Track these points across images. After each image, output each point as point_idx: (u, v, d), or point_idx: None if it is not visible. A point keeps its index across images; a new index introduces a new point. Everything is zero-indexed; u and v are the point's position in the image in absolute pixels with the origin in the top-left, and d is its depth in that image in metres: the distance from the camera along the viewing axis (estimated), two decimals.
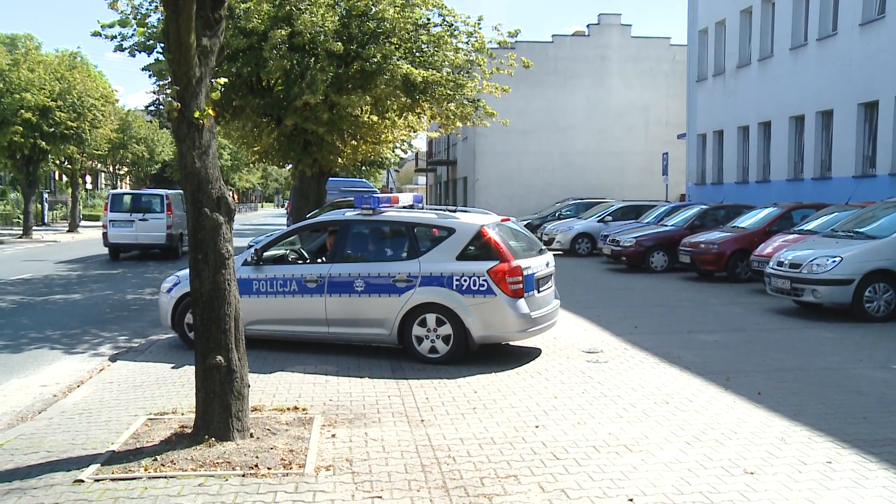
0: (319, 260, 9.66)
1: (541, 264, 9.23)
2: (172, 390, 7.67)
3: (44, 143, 33.37)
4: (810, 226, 15.15)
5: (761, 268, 14.09)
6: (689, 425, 6.34)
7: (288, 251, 10.11)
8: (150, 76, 15.65)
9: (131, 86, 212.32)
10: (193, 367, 5.93)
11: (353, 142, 17.71)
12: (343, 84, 14.22)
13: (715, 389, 7.52)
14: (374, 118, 16.46)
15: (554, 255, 24.71)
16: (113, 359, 9.52)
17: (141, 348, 10.00)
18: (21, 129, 31.84)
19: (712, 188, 29.08)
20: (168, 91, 5.65)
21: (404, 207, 9.86)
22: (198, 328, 5.85)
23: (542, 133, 40.50)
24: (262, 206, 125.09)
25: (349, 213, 9.85)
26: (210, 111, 5.78)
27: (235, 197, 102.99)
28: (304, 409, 6.76)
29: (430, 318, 8.73)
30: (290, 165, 18.45)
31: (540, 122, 40.27)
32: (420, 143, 63.36)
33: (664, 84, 41.13)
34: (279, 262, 9.64)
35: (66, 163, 44.06)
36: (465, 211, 10.09)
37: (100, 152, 43.51)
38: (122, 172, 66.30)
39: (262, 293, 9.31)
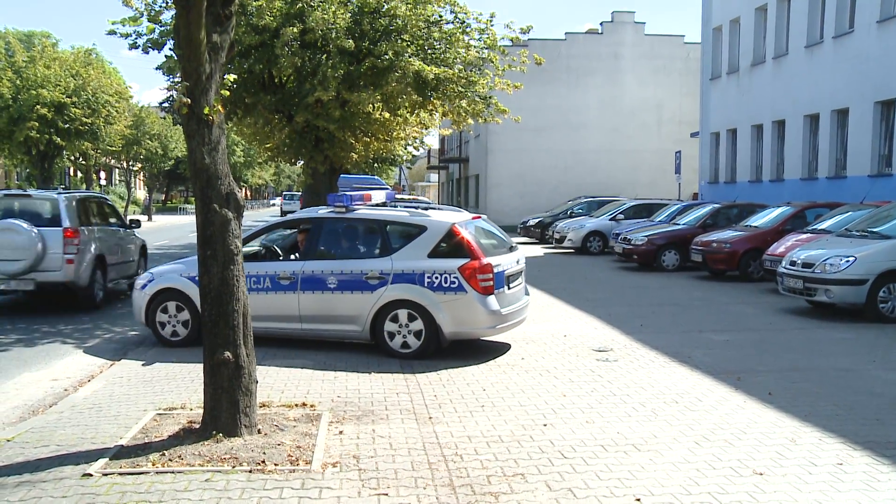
0: (293, 257, 9.80)
1: (511, 261, 9.37)
2: (181, 385, 7.69)
3: (59, 138, 33.63)
4: (824, 225, 15.03)
5: (774, 267, 13.99)
6: (699, 425, 6.29)
7: (262, 248, 10.25)
8: (163, 74, 15.72)
9: (147, 83, 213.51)
10: (202, 363, 5.94)
11: (365, 139, 17.73)
12: (355, 81, 14.21)
13: (725, 389, 7.47)
14: (386, 115, 16.47)
15: (565, 253, 24.91)
16: (123, 354, 9.56)
17: (151, 345, 10.02)
18: (37, 124, 32.07)
19: (725, 187, 28.91)
20: (178, 87, 5.65)
21: (377, 205, 9.98)
22: (206, 324, 5.85)
23: (554, 131, 40.40)
24: (274, 204, 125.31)
25: (322, 211, 9.96)
26: (220, 107, 5.78)
27: (248, 194, 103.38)
28: (312, 406, 6.76)
29: (402, 315, 8.85)
30: (302, 162, 18.47)
31: (552, 120, 40.17)
32: (432, 141, 63.36)
33: (678, 82, 40.94)
34: (253, 260, 9.70)
35: (80, 159, 44.38)
36: (439, 209, 10.21)
37: (114, 148, 43.73)
38: (135, 168, 66.58)
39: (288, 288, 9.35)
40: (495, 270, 8.79)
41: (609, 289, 15.80)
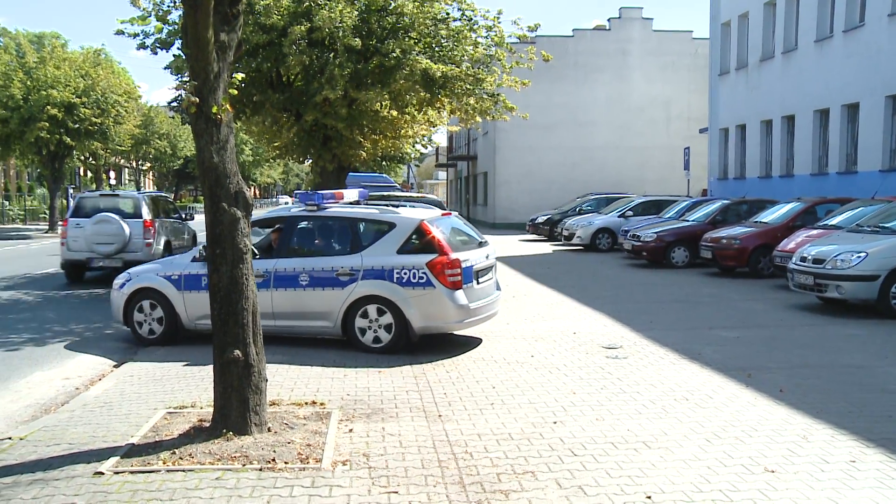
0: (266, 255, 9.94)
1: (480, 257, 9.56)
2: (192, 384, 7.71)
3: (69, 138, 33.87)
4: (835, 221, 14.94)
5: (784, 263, 13.92)
6: (709, 422, 6.27)
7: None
8: (171, 73, 15.73)
9: (155, 83, 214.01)
10: (212, 362, 5.95)
11: (373, 137, 17.68)
12: (362, 79, 14.19)
13: (735, 386, 7.43)
14: (394, 113, 16.41)
15: (574, 250, 24.87)
16: (134, 353, 9.59)
17: (162, 343, 10.05)
18: (47, 125, 32.34)
19: (734, 183, 28.80)
20: (187, 86, 5.65)
21: (349, 203, 10.20)
22: (216, 322, 5.86)
23: (562, 128, 40.31)
24: (286, 203, 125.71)
25: (294, 210, 10.23)
26: (228, 106, 5.79)
27: (257, 192, 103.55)
28: (321, 404, 6.77)
29: (373, 310, 9.05)
30: (311, 161, 18.46)
31: (560, 117, 40.09)
32: (440, 139, 63.42)
33: (686, 78, 40.78)
34: None
35: (90, 158, 44.63)
36: (412, 206, 10.29)
37: (123, 148, 44.00)
38: (144, 168, 66.90)
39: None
40: (463, 266, 8.99)
41: (618, 286, 15.77)
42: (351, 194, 10.43)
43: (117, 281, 10.37)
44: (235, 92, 6.04)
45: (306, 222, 9.95)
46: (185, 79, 15.32)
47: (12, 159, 44.47)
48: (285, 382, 7.63)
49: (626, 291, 14.86)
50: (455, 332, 9.79)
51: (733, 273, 17.32)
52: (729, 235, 17.28)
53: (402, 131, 18.15)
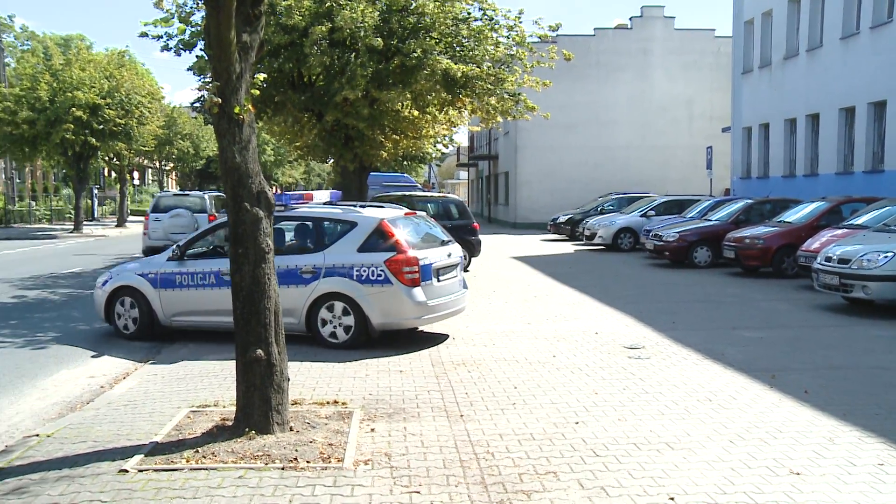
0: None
1: (441, 255, 9.88)
2: (214, 383, 7.75)
3: (94, 139, 34.19)
4: (861, 220, 14.75)
5: (809, 263, 13.77)
6: (733, 423, 6.21)
7: (216, 245, 10.81)
8: (194, 74, 15.86)
9: (178, 83, 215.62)
10: (234, 361, 5.98)
11: (394, 137, 17.74)
12: (383, 79, 14.22)
13: (759, 387, 7.36)
14: (415, 113, 16.45)
15: (596, 250, 24.78)
16: (157, 352, 9.67)
17: (185, 343, 10.12)
18: (73, 126, 32.65)
19: (758, 182, 28.53)
20: (209, 87, 5.69)
21: (319, 204, 10.65)
22: (238, 322, 5.89)
23: (584, 127, 40.15)
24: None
25: None
26: (250, 107, 5.81)
27: (278, 192, 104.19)
28: (343, 403, 6.78)
29: (334, 307, 9.38)
30: (332, 160, 18.55)
31: (582, 117, 39.93)
32: (461, 138, 63.31)
33: (708, 77, 40.48)
34: (202, 257, 10.34)
35: (114, 159, 44.93)
36: (381, 206, 11.06)
37: (146, 148, 44.29)
38: (167, 168, 67.39)
39: (185, 286, 10.06)
40: (421, 263, 9.30)
41: (640, 286, 15.68)
42: (322, 195, 10.86)
43: (100, 280, 10.84)
44: (257, 92, 6.06)
45: (274, 222, 10.05)
46: (207, 80, 15.45)
47: (39, 160, 44.95)
48: (307, 382, 7.66)
49: (649, 291, 14.77)
50: (477, 332, 9.79)
51: (757, 273, 17.15)
52: (752, 235, 17.13)
53: (424, 131, 18.20)
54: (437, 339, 9.93)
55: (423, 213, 11.23)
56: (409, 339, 9.83)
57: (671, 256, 19.42)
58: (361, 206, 10.17)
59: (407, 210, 10.81)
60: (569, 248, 26.57)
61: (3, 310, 13.02)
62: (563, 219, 30.96)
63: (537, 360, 8.64)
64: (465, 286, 10.51)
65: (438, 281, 9.63)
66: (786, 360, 8.62)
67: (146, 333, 10.29)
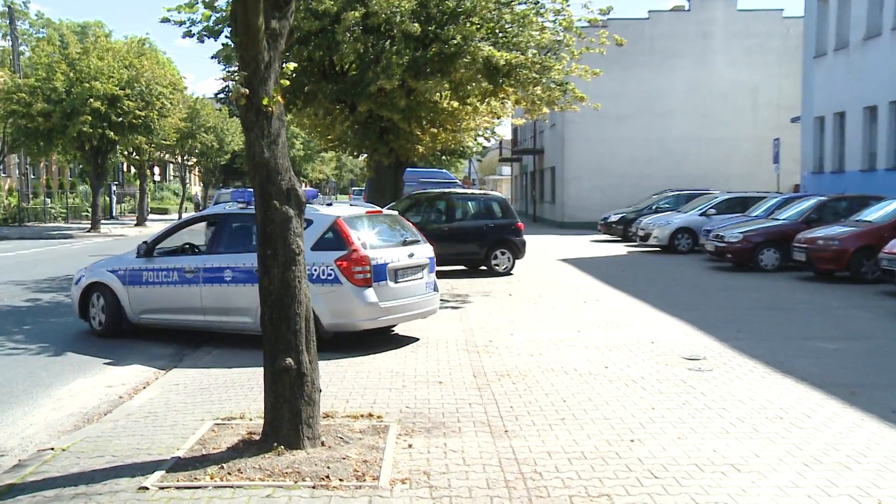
0: (197, 251, 11.23)
1: (401, 255, 10.26)
2: (240, 394, 7.82)
3: (112, 133, 34.74)
4: None
5: (892, 267, 13.47)
6: (808, 444, 6.08)
7: (185, 243, 11.67)
8: (219, 62, 16.03)
9: (201, 73, 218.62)
10: (263, 370, 6.01)
11: (432, 129, 17.74)
12: (421, 68, 14.23)
13: (838, 404, 7.20)
14: (455, 104, 16.43)
15: (651, 251, 24.54)
16: (179, 360, 9.79)
17: (209, 349, 10.25)
18: (90, 118, 33.17)
19: (832, 177, 28.02)
20: (235, 77, 5.73)
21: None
22: (266, 328, 5.93)
23: (637, 118, 39.82)
24: (336, 199, 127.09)
25: (229, 207, 11.35)
26: (279, 98, 5.84)
27: (305, 188, 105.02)
28: (378, 417, 6.80)
29: None
30: (366, 155, 18.61)
31: (635, 107, 39.60)
32: (504, 131, 63.25)
33: (775, 62, 39.86)
34: (171, 254, 11.19)
35: (134, 153, 45.69)
36: (354, 204, 11.84)
37: (168, 142, 44.93)
38: (190, 163, 68.16)
39: (151, 283, 10.83)
40: (375, 263, 9.71)
41: (700, 291, 15.51)
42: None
43: (75, 276, 11.73)
44: (287, 82, 6.09)
45: (236, 220, 10.90)
46: (233, 69, 15.60)
47: (54, 155, 45.87)
48: (339, 393, 7.69)
49: (710, 297, 14.60)
50: (536, 343, 9.76)
51: (831, 278, 16.85)
52: (826, 236, 16.82)
53: (464, 123, 18.19)
54: (479, 347, 9.91)
55: (393, 213, 11.84)
56: (449, 348, 9.84)
57: (734, 259, 19.16)
58: (328, 205, 10.67)
59: (371, 209, 11.30)
60: (621, 249, 26.38)
61: (17, 314, 13.30)
62: (614, 218, 30.79)
63: (588, 372, 8.58)
64: (434, 288, 10.91)
65: (396, 282, 10.02)
66: (867, 374, 8.43)
67: (113, 331, 11.12)
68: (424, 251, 10.87)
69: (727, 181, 37.47)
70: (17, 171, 48.72)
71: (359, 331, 10.00)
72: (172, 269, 10.69)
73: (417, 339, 10.48)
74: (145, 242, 11.24)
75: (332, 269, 9.66)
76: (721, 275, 18.36)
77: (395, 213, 11.88)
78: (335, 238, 9.84)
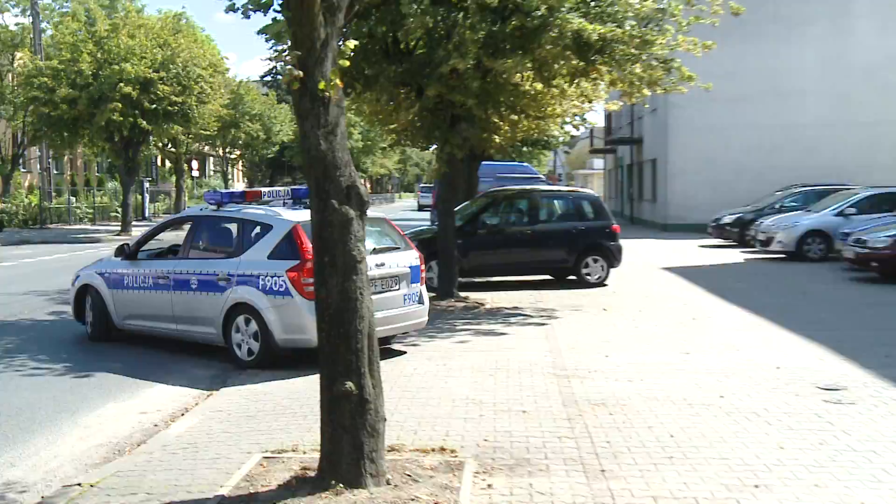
0: (171, 256, 12.27)
1: (369, 264, 10.20)
2: (292, 423, 7.94)
3: (145, 122, 35.20)
4: None
5: None
6: None
7: (172, 245, 12.67)
8: (266, 40, 16.30)
9: (245, 53, 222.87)
10: (319, 395, 6.09)
11: (512, 116, 17.74)
12: (499, 45, 14.23)
13: None
14: (538, 87, 16.40)
15: (774, 259, 24.09)
16: (223, 381, 10.00)
17: (257, 370, 10.42)
18: (120, 105, 33.69)
19: None
20: (287, 58, 5.82)
21: (261, 203, 11.72)
22: (323, 347, 6.00)
23: (757, 100, 39.11)
24: (399, 198, 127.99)
25: (203, 209, 12.17)
26: (338, 81, 5.89)
27: (368, 186, 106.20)
28: (452, 451, 6.84)
29: (242, 319, 10.58)
30: (435, 147, 18.71)
31: (755, 87, 38.90)
32: (596, 118, 62.86)
33: None
34: (153, 258, 12.36)
35: (169, 145, 46.85)
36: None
37: (208, 132, 45.67)
38: (233, 156, 69.44)
39: (130, 288, 11.98)
40: None
41: (837, 307, 15.19)
42: (274, 193, 12.05)
43: (73, 277, 13.05)
44: (347, 63, 6.15)
45: (207, 223, 11.86)
46: (282, 48, 15.87)
47: (80, 147, 47.04)
48: (407, 422, 7.75)
49: (849, 314, 14.30)
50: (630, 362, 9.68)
51: None
52: None
53: (549, 109, 18.12)
54: (568, 371, 9.87)
55: (378, 215, 12.24)
56: (533, 372, 9.83)
57: (881, 268, 18.68)
58: (292, 208, 11.21)
59: None
60: (736, 256, 25.97)
61: (38, 329, 13.78)
62: (728, 219, 30.32)
63: (700, 402, 8.48)
64: (419, 300, 11.38)
65: None
66: None
67: (102, 335, 12.41)
68: (403, 259, 11.30)
69: (870, 174, 36.42)
70: (39, 166, 49.92)
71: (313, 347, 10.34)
72: (148, 274, 11.74)
73: (496, 361, 10.50)
74: (127, 244, 12.56)
75: (283, 281, 10.18)
76: (864, 287, 17.95)
77: (381, 215, 12.52)
78: (290, 246, 10.38)
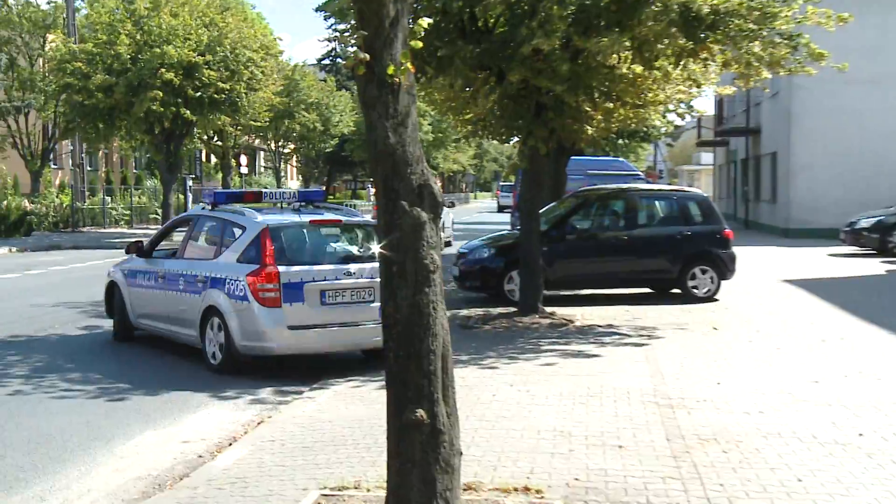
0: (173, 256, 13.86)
1: (335, 273, 11.87)
2: (354, 454, 8.00)
3: (188, 111, 35.77)
4: None
5: None
6: None
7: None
8: (325, 18, 16.49)
9: (300, 33, 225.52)
10: (385, 424, 6.11)
11: (607, 104, 17.65)
12: (591, 21, 14.18)
13: None
14: (637, 69, 16.28)
15: None
16: (275, 406, 10.12)
17: (313, 394, 10.55)
18: (161, 94, 34.34)
19: None
20: (351, 38, 5.86)
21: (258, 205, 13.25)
22: (391, 368, 5.99)
23: None
24: (475, 198, 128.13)
25: (201, 209, 13.94)
26: (409, 65, 5.92)
27: (439, 184, 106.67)
28: (538, 491, 6.83)
29: (214, 323, 11.87)
30: (517, 139, 18.71)
31: None
32: (704, 105, 62.17)
33: None
34: (164, 257, 13.96)
35: (215, 138, 47.51)
36: (336, 208, 14.24)
37: (258, 123, 46.15)
38: (286, 151, 70.10)
39: (142, 286, 13.67)
40: (287, 281, 11.37)
41: None
42: (278, 194, 13.65)
43: (108, 270, 15.05)
44: (420, 44, 6.17)
45: (201, 223, 13.52)
46: (344, 27, 16.04)
47: (116, 141, 47.84)
48: (485, 457, 7.75)
49: None
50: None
51: None
52: None
53: (649, 95, 18.00)
54: (672, 400, 9.77)
55: (359, 219, 13.50)
56: (630, 400, 9.74)
57: None
58: (301, 212, 12.47)
59: (319, 217, 12.72)
60: (875, 266, 25.49)
61: (70, 344, 14.15)
62: (865, 223, 29.76)
63: (834, 440, 8.33)
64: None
65: (323, 304, 11.64)
66: None
67: (122, 333, 14.17)
68: (362, 268, 12.03)
69: None
70: (71, 162, 50.84)
71: (273, 356, 11.78)
72: (153, 273, 13.44)
73: (587, 387, 10.43)
74: (141, 241, 14.48)
75: (243, 286, 11.41)
76: None
77: (362, 220, 13.57)
78: (256, 250, 11.65)
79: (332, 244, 12.63)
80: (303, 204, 13.08)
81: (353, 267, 11.97)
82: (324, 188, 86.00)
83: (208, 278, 12.06)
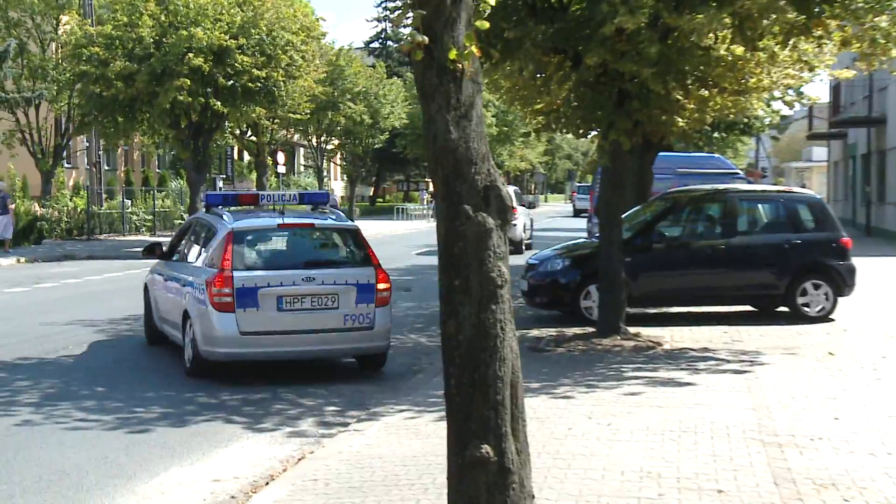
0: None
1: (293, 279, 12.99)
2: (409, 495, 7.99)
3: (219, 103, 35.88)
4: None
5: None
6: None
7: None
8: None
9: (345, 12, 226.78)
10: (445, 461, 6.11)
11: (701, 92, 17.55)
12: None
13: None
14: (738, 50, 16.18)
15: None
16: (317, 440, 10.16)
17: (360, 426, 10.56)
18: (188, 82, 34.41)
19: None
20: (406, 18, 5.87)
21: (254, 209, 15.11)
22: (452, 398, 5.98)
23: None
24: (545, 200, 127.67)
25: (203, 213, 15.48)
26: (474, 48, 5.90)
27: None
28: None
29: (188, 326, 13.25)
30: (595, 133, 18.66)
31: None
32: (817, 92, 61.40)
33: None
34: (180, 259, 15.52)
35: (249, 133, 47.66)
36: (332, 212, 15.23)
37: (298, 116, 46.20)
38: (329, 147, 70.17)
39: (158, 288, 15.39)
40: (241, 286, 12.61)
41: None
42: (276, 197, 15.16)
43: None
44: (486, 24, 6.17)
45: (196, 226, 15.24)
46: (395, 4, 16.09)
47: (137, 136, 48.16)
48: (560, 501, 7.71)
49: None
50: None
51: None
52: None
53: (752, 81, 17.86)
54: (780, 437, 9.67)
55: (344, 224, 14.77)
56: (730, 436, 9.66)
57: None
58: (299, 216, 13.67)
59: (289, 221, 14.00)
60: None
61: (86, 368, 14.35)
62: None
63: None
64: (370, 323, 13.17)
65: (280, 310, 12.82)
66: None
67: (149, 335, 16.07)
68: (348, 276, 13.25)
69: None
70: (86, 161, 51.10)
71: (229, 361, 13.09)
72: (164, 275, 15.22)
73: (679, 421, 10.36)
74: (159, 244, 16.43)
75: (203, 290, 12.82)
76: None
77: (347, 223, 14.99)
78: (218, 254, 13.05)
79: (299, 249, 14.14)
80: (312, 208, 14.69)
81: (314, 272, 13.12)
82: (372, 189, 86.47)
83: (187, 282, 13.69)
